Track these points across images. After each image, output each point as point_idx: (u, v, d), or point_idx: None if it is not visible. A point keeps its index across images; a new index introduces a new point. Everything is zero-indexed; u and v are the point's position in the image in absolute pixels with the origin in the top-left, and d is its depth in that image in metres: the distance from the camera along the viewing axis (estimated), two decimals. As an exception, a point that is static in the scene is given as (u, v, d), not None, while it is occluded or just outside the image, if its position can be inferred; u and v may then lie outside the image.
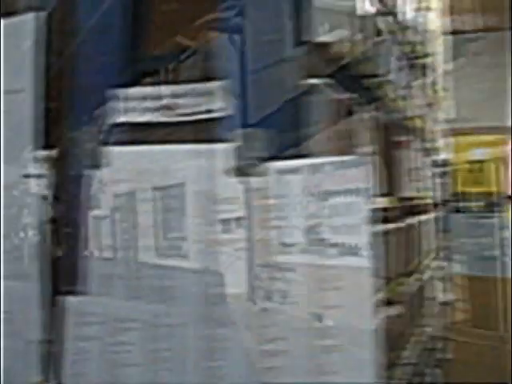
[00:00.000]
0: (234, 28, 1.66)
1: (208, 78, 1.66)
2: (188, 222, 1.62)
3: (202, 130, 1.64)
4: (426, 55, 4.02)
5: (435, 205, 6.43)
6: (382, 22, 2.58)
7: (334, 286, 1.51)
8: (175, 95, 1.67)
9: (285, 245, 1.56)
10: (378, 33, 2.69)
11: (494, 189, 7.97)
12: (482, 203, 8.03)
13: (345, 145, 1.96)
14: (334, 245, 1.53)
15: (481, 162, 7.91)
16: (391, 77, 2.72)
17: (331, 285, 1.52)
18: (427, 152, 5.00)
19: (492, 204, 8.03)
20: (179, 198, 1.61)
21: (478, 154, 7.92)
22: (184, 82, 1.68)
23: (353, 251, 1.50)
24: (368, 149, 2.23)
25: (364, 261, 1.55)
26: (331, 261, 1.52)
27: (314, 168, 1.54)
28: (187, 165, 1.60)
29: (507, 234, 7.89)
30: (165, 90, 1.68)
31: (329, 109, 1.83)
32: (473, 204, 8.02)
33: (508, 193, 7.93)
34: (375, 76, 2.36)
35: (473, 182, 8.01)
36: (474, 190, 8.00)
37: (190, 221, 1.61)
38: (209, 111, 1.63)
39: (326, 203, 1.52)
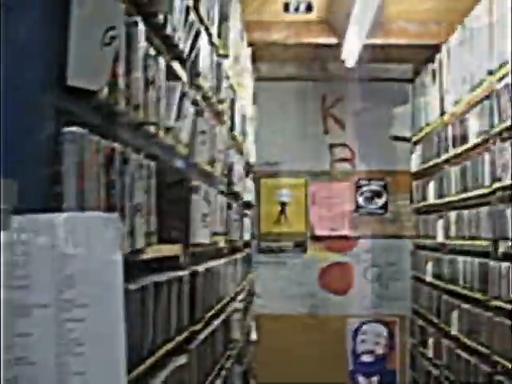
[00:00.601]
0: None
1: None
2: None
3: None
4: (220, 101, 4.07)
5: (244, 245, 6.54)
6: (163, 69, 2.54)
7: (78, 352, 1.41)
8: None
9: (29, 306, 1.44)
10: (168, 78, 2.66)
11: (299, 229, 8.29)
12: (289, 243, 8.31)
13: (112, 197, 1.87)
14: (82, 305, 1.43)
15: (285, 203, 8.21)
16: (173, 123, 2.69)
17: (77, 350, 1.42)
18: (231, 195, 5.06)
19: (298, 244, 8.33)
20: None
21: (283, 196, 8.20)
22: None
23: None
24: (141, 199, 2.17)
25: (116, 322, 1.46)
26: (77, 324, 1.41)
27: (62, 223, 1.44)
28: None
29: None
30: None
31: (93, 158, 1.74)
32: (279, 244, 8.28)
33: (313, 233, 8.29)
34: (152, 123, 2.31)
35: (279, 222, 8.28)
36: (280, 230, 8.27)
37: None
38: None
39: (71, 262, 1.42)
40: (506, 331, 4.67)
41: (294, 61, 7.51)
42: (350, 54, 6.88)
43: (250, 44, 6.63)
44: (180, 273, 2.98)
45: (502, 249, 4.90)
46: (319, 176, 8.18)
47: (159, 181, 2.63)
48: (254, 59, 7.03)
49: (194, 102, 3.23)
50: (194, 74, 3.30)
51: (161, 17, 2.53)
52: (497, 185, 4.92)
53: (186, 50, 3.01)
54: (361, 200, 8.22)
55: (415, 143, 7.94)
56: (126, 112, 2.03)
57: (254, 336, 7.32)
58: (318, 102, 8.18)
